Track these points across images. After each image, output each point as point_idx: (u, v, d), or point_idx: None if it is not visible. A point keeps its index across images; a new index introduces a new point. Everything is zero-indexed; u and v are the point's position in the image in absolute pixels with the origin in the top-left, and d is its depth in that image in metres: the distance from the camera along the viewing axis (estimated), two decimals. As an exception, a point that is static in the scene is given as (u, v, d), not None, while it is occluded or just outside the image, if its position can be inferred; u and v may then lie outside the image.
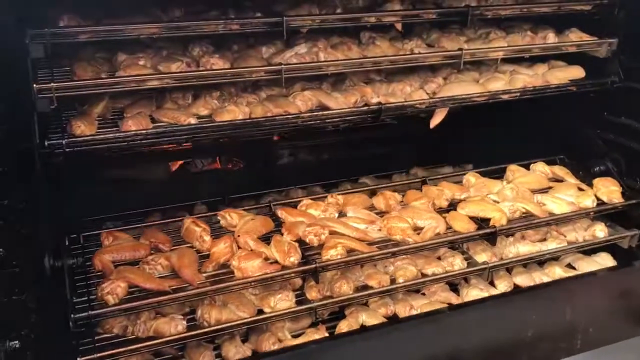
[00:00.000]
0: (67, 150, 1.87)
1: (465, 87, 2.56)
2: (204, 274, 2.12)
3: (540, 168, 2.88)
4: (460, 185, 2.74)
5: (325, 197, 2.57)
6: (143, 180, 2.99)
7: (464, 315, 2.31)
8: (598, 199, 2.66)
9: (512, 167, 2.86)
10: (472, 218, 2.47)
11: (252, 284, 2.08)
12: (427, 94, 2.53)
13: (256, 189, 2.96)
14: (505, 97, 2.58)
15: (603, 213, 2.67)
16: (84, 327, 1.86)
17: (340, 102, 2.36)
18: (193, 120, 2.12)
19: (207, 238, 2.27)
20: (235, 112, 2.19)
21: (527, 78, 2.64)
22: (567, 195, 2.65)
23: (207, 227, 2.32)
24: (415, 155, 3.28)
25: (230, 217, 2.39)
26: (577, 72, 2.76)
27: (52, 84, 1.80)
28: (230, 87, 2.32)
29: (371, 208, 2.57)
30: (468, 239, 2.39)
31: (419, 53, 2.50)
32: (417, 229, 2.40)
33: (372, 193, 2.67)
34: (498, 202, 2.58)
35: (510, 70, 2.73)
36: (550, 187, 2.76)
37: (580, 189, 2.72)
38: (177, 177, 3.06)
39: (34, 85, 1.78)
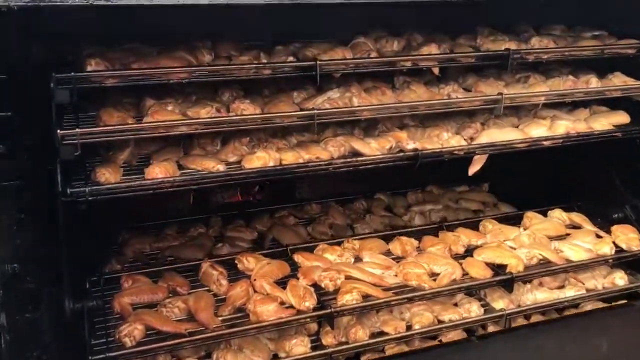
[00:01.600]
0: (90, 199, 1.87)
1: (505, 133, 2.51)
2: (220, 318, 2.13)
3: (557, 215, 2.88)
4: (476, 232, 2.74)
5: (342, 242, 2.59)
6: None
7: (493, 343, 2.30)
8: (617, 246, 2.64)
9: (529, 214, 2.86)
10: (489, 264, 2.47)
11: (268, 328, 2.09)
12: (465, 139, 2.48)
13: (272, 204, 3.01)
14: (547, 143, 2.51)
15: (622, 260, 2.65)
16: (100, 370, 1.88)
17: (373, 149, 2.31)
18: (222, 167, 2.09)
19: (224, 282, 2.29)
20: (264, 158, 2.14)
21: (569, 124, 2.57)
22: (585, 242, 2.64)
23: (224, 271, 2.35)
24: (432, 172, 3.20)
25: (247, 261, 2.41)
26: (621, 118, 2.69)
27: (76, 130, 1.81)
28: (259, 133, 2.30)
29: (387, 253, 2.58)
30: (484, 285, 2.38)
31: (457, 98, 2.46)
32: (433, 275, 2.40)
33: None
34: (515, 249, 2.57)
35: (551, 115, 2.66)
36: (567, 234, 2.75)
37: (598, 236, 2.71)
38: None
39: (58, 131, 1.78)
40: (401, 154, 2.32)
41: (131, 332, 1.98)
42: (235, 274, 2.40)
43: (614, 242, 2.65)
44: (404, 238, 2.62)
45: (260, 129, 2.24)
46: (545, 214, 2.89)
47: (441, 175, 3.23)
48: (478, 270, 2.42)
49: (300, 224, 2.90)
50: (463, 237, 2.66)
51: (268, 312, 2.11)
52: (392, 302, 2.24)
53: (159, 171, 2.00)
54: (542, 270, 2.46)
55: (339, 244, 2.59)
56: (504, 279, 2.37)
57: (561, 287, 2.64)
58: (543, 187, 3.04)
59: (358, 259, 2.52)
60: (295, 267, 2.43)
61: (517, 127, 2.62)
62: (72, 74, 1.78)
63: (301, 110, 2.27)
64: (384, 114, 2.33)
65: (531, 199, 3.02)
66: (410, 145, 2.34)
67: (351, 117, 2.28)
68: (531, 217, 2.84)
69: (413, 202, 3.12)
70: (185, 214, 2.88)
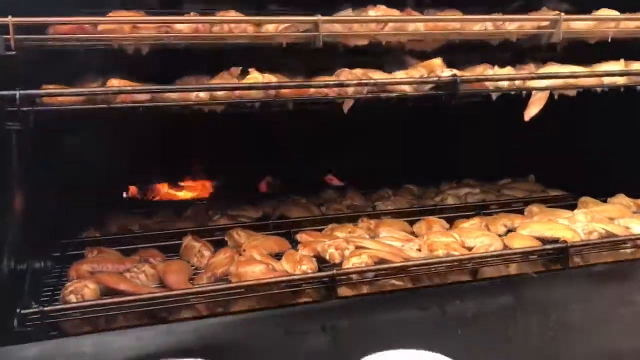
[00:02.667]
0: (22, 109, 1.47)
1: (571, 69, 2.03)
2: (197, 286, 1.71)
3: (620, 200, 2.38)
4: (521, 215, 2.27)
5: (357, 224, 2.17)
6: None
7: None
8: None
9: (584, 199, 2.38)
10: (538, 239, 1.99)
11: (251, 290, 1.64)
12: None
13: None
14: (622, 81, 2.02)
15: None
16: (31, 327, 1.47)
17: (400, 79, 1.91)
18: (202, 95, 1.69)
19: (207, 253, 1.89)
20: (257, 78, 1.76)
21: None
22: (660, 220, 2.13)
23: (210, 246, 1.95)
24: (468, 165, 2.79)
25: (238, 235, 2.02)
26: None
27: (9, 18, 1.43)
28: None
29: (411, 235, 2.13)
30: (531, 253, 1.88)
31: (503, 16, 2.00)
32: (467, 249, 1.94)
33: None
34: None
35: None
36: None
37: (676, 216, 2.19)
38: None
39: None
40: (436, 78, 1.88)
41: (79, 290, 1.57)
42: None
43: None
44: (432, 218, 2.19)
45: (253, 50, 1.85)
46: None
47: (480, 169, 2.79)
48: (523, 242, 1.94)
49: (313, 205, 2.47)
50: (505, 220, 2.20)
51: (254, 273, 1.68)
52: (411, 269, 1.76)
53: (118, 82, 1.64)
54: (605, 241, 1.95)
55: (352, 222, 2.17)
56: (557, 249, 1.87)
57: (634, 276, 2.11)
58: (602, 177, 2.54)
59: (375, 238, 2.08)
60: (297, 247, 2.00)
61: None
62: None
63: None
64: (412, 34, 1.88)
65: (587, 192, 2.54)
66: (447, 73, 1.90)
67: (369, 34, 1.83)
68: (587, 202, 2.35)
69: (446, 189, 2.66)
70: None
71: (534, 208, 2.31)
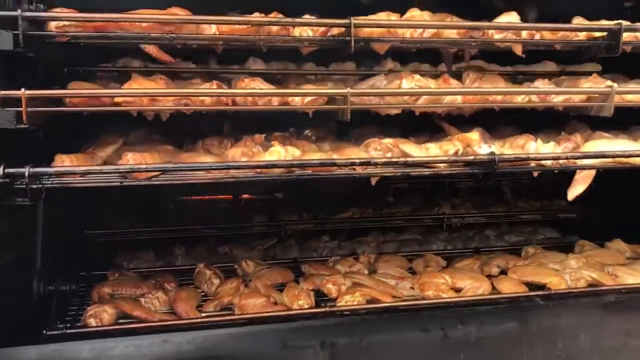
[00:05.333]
0: (31, 186, 1.48)
1: (620, 145, 1.90)
2: (203, 313, 1.90)
3: (616, 245, 2.48)
4: (516, 256, 2.39)
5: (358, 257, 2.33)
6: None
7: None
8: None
9: (581, 242, 2.49)
10: (526, 283, 2.11)
11: (252, 322, 1.82)
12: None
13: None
14: None
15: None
16: (54, 347, 1.67)
17: (432, 154, 1.84)
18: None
19: (216, 281, 2.07)
20: (279, 153, 1.72)
21: None
22: (649, 270, 2.22)
23: (219, 273, 2.13)
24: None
25: (247, 265, 2.20)
26: None
27: (22, 91, 1.43)
28: (281, 136, 1.97)
29: (409, 270, 2.28)
30: (515, 299, 2.01)
31: (548, 88, 1.91)
32: (457, 290, 2.07)
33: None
34: (559, 271, 2.20)
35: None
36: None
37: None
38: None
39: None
40: (471, 157, 1.79)
41: (98, 314, 1.78)
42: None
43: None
44: (429, 255, 2.33)
45: (277, 119, 1.93)
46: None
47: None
48: (511, 287, 2.07)
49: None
50: (499, 260, 2.32)
51: (254, 306, 1.86)
52: (400, 308, 1.91)
53: (133, 158, 1.63)
54: (589, 290, 2.06)
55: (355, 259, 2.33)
56: (541, 295, 1.99)
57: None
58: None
59: (373, 272, 2.24)
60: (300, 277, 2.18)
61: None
62: (18, 11, 1.45)
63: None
64: (448, 105, 1.82)
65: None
66: (484, 150, 1.82)
67: (402, 106, 1.81)
68: (583, 245, 2.46)
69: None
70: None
71: (530, 249, 2.43)
